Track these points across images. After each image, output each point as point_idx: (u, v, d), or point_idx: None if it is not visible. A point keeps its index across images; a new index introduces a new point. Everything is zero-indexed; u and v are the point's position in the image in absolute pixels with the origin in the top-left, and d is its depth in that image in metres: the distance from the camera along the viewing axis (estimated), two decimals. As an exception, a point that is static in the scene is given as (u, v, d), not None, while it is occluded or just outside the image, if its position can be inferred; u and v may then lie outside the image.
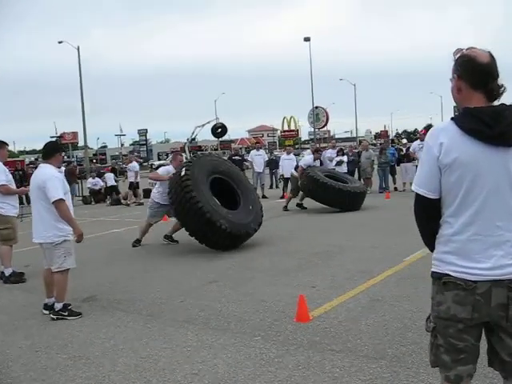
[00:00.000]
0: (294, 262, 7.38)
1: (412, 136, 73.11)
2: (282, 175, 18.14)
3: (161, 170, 9.86)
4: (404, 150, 17.48)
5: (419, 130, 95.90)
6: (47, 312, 5.60)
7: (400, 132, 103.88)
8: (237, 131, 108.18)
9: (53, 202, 5.23)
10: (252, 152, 19.40)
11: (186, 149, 39.91)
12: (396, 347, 4.09)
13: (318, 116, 52.04)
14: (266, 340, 4.43)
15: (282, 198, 17.25)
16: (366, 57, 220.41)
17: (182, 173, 8.40)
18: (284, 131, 63.11)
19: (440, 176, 2.17)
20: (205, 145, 55.07)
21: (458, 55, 2.21)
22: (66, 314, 5.37)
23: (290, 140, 56.24)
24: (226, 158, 9.25)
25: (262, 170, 18.50)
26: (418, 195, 2.26)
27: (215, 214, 8.12)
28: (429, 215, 2.27)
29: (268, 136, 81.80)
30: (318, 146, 21.10)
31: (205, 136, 55.88)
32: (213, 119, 44.28)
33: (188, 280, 6.72)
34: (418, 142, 14.59)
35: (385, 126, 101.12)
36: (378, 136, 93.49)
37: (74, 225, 5.36)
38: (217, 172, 9.12)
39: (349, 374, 3.67)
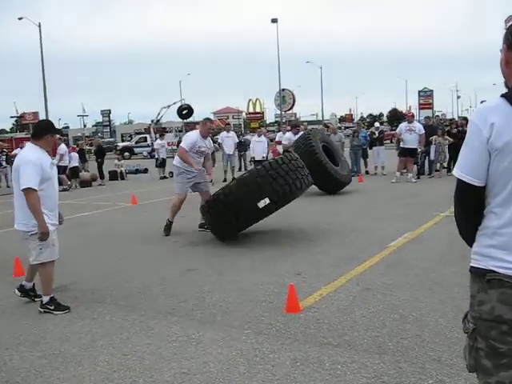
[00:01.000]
0: (275, 248, 7.11)
1: (377, 119, 73.67)
2: (253, 157, 17.70)
3: (187, 144, 8.38)
4: (377, 133, 17.41)
5: (385, 113, 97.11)
6: (19, 294, 5.24)
7: (365, 116, 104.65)
8: (202, 113, 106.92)
9: (22, 190, 4.79)
10: (222, 134, 18.93)
11: (152, 130, 39.27)
12: (396, 340, 3.88)
13: (285, 98, 51.65)
14: (257, 333, 4.16)
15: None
16: (332, 39, 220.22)
17: (261, 205, 6.95)
18: (249, 113, 62.55)
19: (489, 161, 1.91)
20: (170, 126, 54.04)
21: (510, 23, 1.93)
22: (53, 307, 4.93)
23: (255, 122, 55.86)
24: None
25: (232, 152, 18.11)
26: (461, 182, 1.98)
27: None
28: (473, 205, 2.00)
29: (233, 118, 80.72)
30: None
31: (169, 117, 54.92)
32: (178, 100, 43.53)
33: (166, 267, 6.37)
34: (406, 123, 14.32)
35: (350, 110, 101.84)
36: (342, 119, 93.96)
37: (39, 220, 4.78)
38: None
39: (351, 371, 3.42)
